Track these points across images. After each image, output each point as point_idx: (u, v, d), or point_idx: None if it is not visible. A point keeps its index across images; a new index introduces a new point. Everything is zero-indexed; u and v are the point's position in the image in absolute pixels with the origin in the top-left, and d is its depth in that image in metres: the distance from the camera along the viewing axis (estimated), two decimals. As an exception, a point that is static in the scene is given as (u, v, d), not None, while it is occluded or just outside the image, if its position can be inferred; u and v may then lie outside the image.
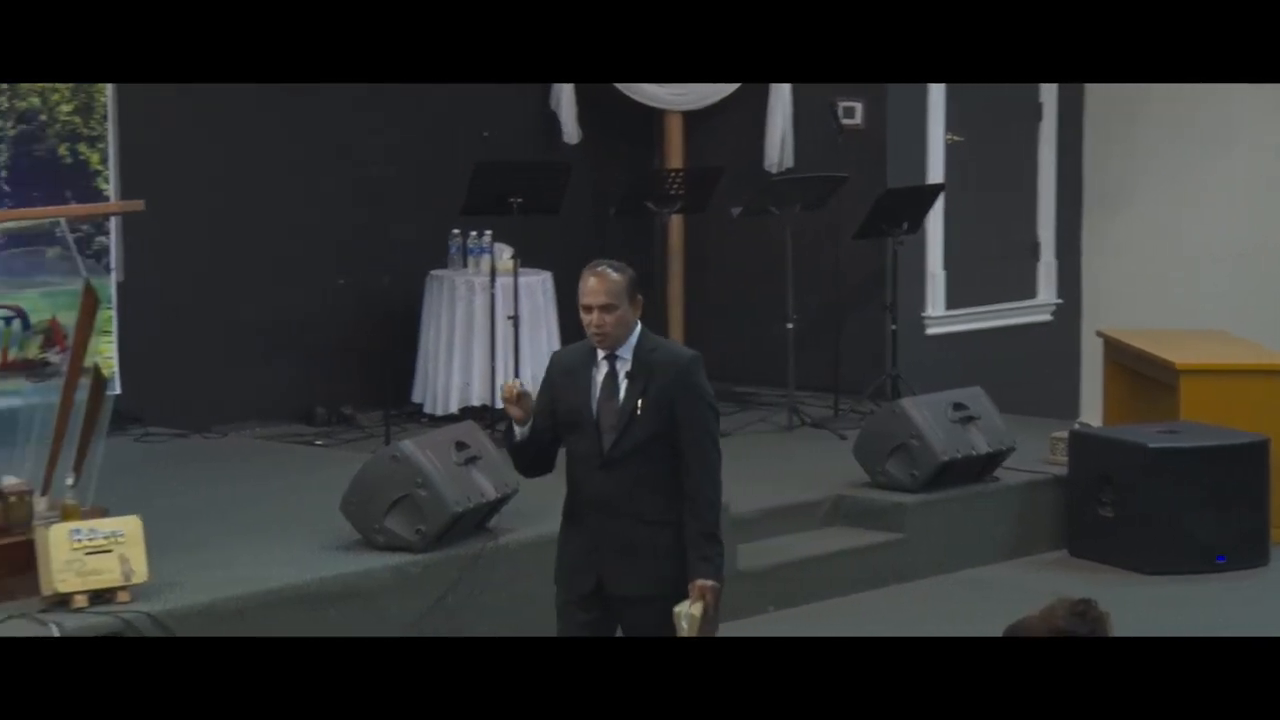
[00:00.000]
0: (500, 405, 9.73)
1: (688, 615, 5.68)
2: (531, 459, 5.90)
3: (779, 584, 8.49)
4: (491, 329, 9.84)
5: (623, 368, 5.77)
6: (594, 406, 5.76)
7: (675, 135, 11.19)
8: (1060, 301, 11.85)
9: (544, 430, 5.81)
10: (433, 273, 10.28)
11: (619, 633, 5.87)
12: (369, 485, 7.69)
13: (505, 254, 9.98)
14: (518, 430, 5.80)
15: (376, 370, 9.98)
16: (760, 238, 10.77)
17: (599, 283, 5.73)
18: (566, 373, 5.83)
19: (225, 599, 6.98)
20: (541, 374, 9.92)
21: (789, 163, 11.07)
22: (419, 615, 7.39)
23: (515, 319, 9.72)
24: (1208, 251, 11.60)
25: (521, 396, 5.75)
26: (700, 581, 5.75)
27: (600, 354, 5.78)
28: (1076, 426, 9.83)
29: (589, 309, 5.74)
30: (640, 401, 5.73)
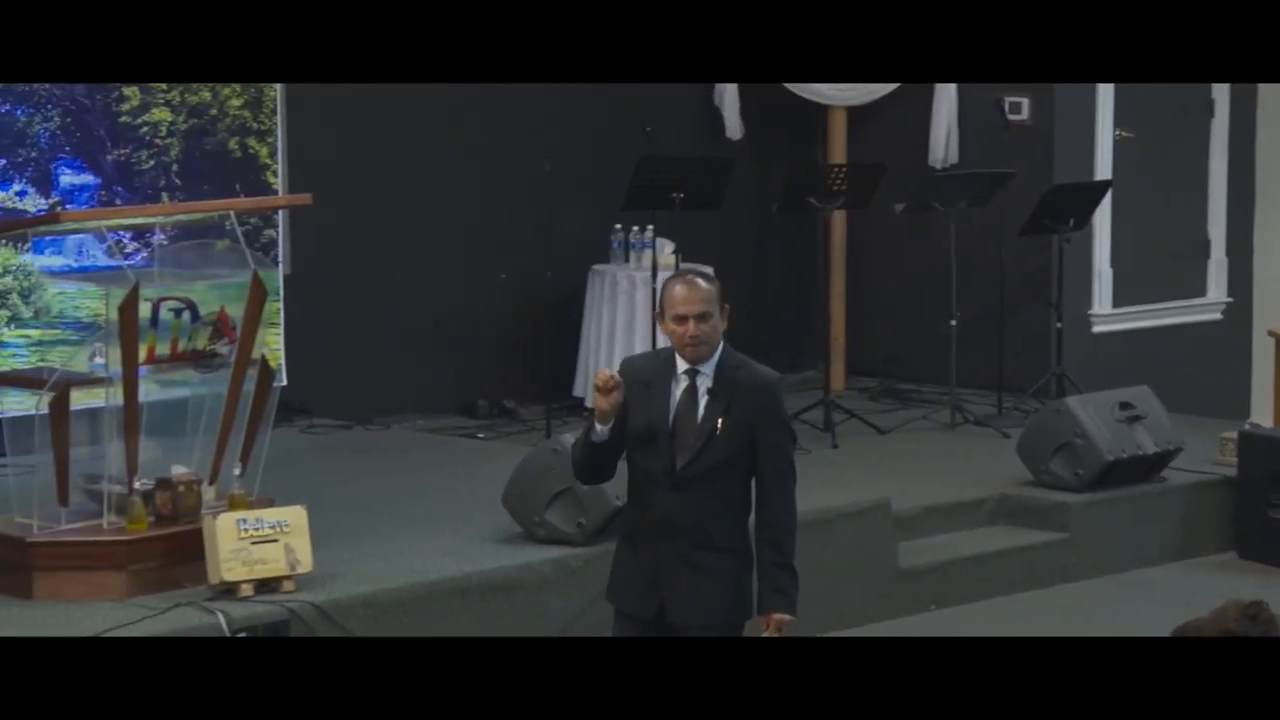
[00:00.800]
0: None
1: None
2: (597, 464, 5.58)
3: (941, 583, 8.41)
4: (653, 324, 9.83)
5: (704, 384, 5.49)
6: (670, 422, 5.47)
7: (839, 131, 11.12)
8: (1231, 300, 11.62)
9: (615, 437, 5.48)
10: (594, 267, 10.30)
11: None
12: (530, 478, 7.71)
13: (667, 249, 9.97)
14: (599, 429, 5.46)
15: (538, 364, 10.02)
16: (924, 234, 10.68)
17: (694, 291, 5.45)
18: (642, 384, 5.51)
19: (387, 590, 7.02)
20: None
21: (954, 159, 10.97)
22: (579, 609, 7.39)
23: (677, 314, 9.71)
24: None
25: (616, 388, 5.39)
26: (776, 615, 5.48)
27: (680, 367, 5.49)
28: (1247, 427, 9.64)
29: (684, 319, 5.43)
30: (721, 421, 5.45)
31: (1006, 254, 10.42)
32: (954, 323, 10.17)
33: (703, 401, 5.48)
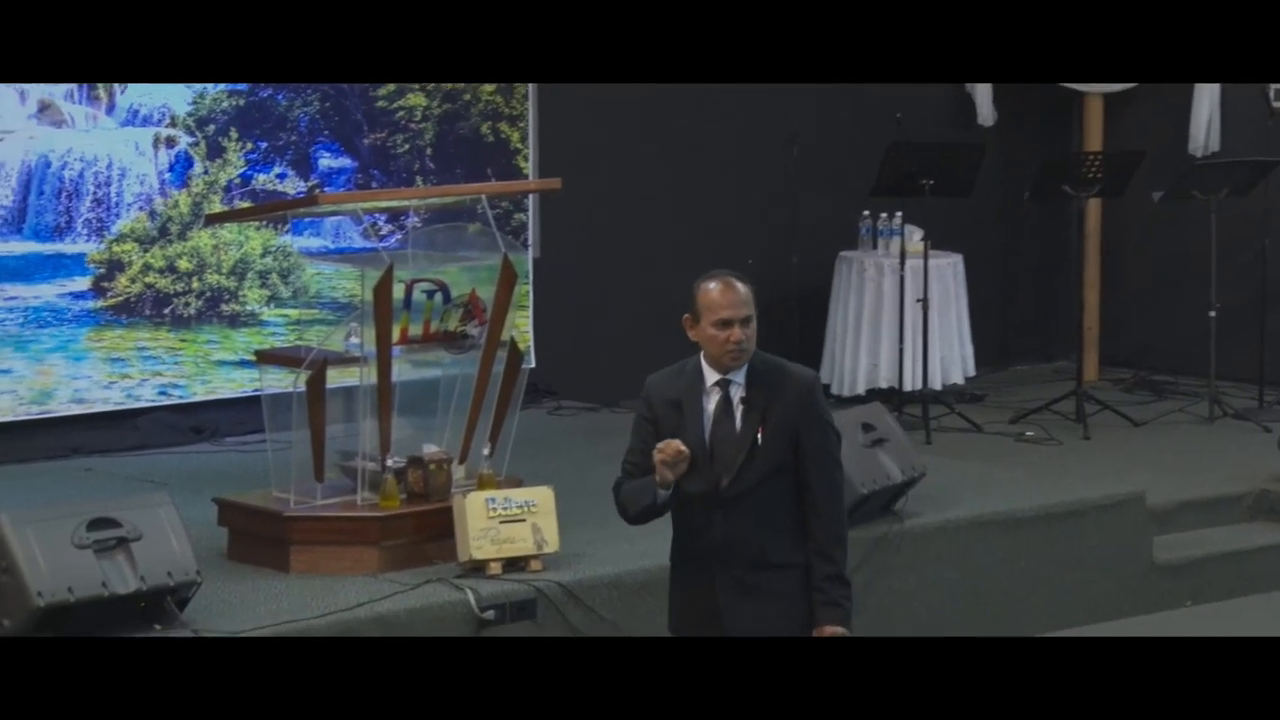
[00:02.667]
0: (910, 388, 9.70)
1: None
2: (651, 518, 5.23)
3: (1197, 578, 8.22)
4: (900, 311, 9.75)
5: (737, 393, 5.13)
6: (707, 440, 5.11)
7: (1095, 118, 10.92)
8: None
9: (674, 493, 5.08)
10: (842, 254, 10.24)
11: None
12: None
13: (915, 236, 9.87)
14: (662, 494, 5.08)
15: (784, 350, 9.95)
16: (1182, 223, 10.45)
17: (735, 293, 5.12)
18: (671, 404, 5.15)
19: (630, 572, 7.04)
20: (948, 357, 10.02)
21: (1214, 147, 10.70)
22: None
23: (924, 302, 9.62)
24: None
25: (684, 461, 5.03)
26: (830, 628, 5.10)
27: (710, 379, 5.14)
28: None
29: (728, 324, 5.09)
30: (761, 430, 5.09)
31: (1269, 244, 10.14)
32: (1213, 314, 9.93)
33: (739, 412, 5.13)
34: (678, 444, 5.02)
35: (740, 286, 5.19)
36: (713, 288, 5.17)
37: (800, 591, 5.12)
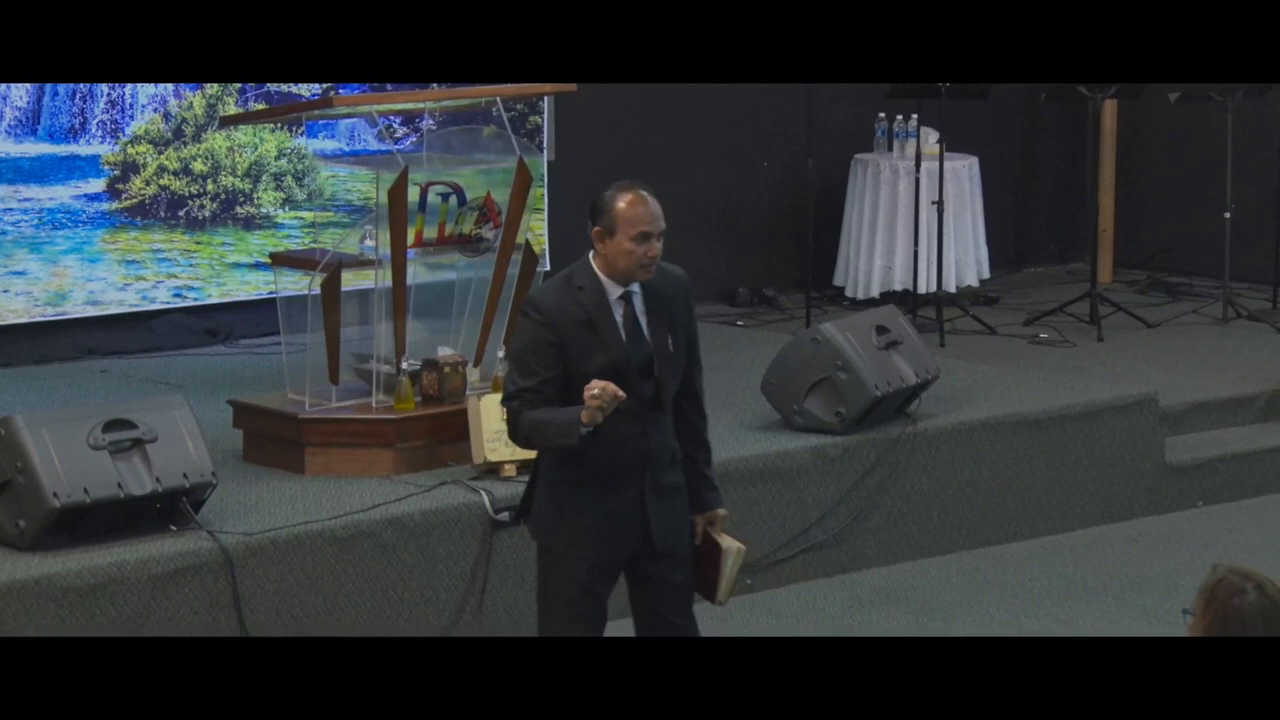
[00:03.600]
0: (924, 290, 9.69)
1: (737, 550, 5.26)
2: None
3: (1209, 479, 8.24)
4: (915, 214, 9.73)
5: (638, 302, 5.11)
6: (632, 353, 5.07)
7: (1111, 17, 10.84)
8: None
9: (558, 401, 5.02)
10: (857, 156, 10.21)
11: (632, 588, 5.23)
12: (789, 367, 7.70)
13: (931, 138, 9.83)
14: (583, 432, 4.96)
15: (799, 253, 9.98)
16: (1198, 124, 10.40)
17: (652, 208, 5.10)
18: (581, 324, 5.05)
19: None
20: (962, 259, 10.01)
21: (1231, 46, 10.63)
22: (837, 498, 7.39)
23: (940, 204, 9.59)
24: None
25: (617, 401, 4.94)
26: (721, 511, 5.28)
27: (614, 293, 5.07)
28: None
29: (647, 236, 5.05)
30: (670, 336, 5.13)
31: (1286, 144, 10.10)
32: (1228, 215, 9.90)
33: (644, 321, 5.12)
34: (614, 387, 4.91)
35: (654, 200, 5.17)
36: (630, 201, 5.12)
37: (684, 480, 5.23)
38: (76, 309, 8.70)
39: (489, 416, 6.84)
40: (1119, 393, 8.19)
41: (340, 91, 9.05)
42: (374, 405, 7.01)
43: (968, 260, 10.06)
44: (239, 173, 9.09)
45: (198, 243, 9.00)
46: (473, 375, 7.20)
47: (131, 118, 8.82)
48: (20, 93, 8.57)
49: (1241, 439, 8.46)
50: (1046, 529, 7.83)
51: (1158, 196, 11.00)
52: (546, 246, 9.50)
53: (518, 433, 5.14)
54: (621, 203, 5.12)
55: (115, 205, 8.82)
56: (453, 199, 7.21)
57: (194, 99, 8.94)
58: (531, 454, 6.83)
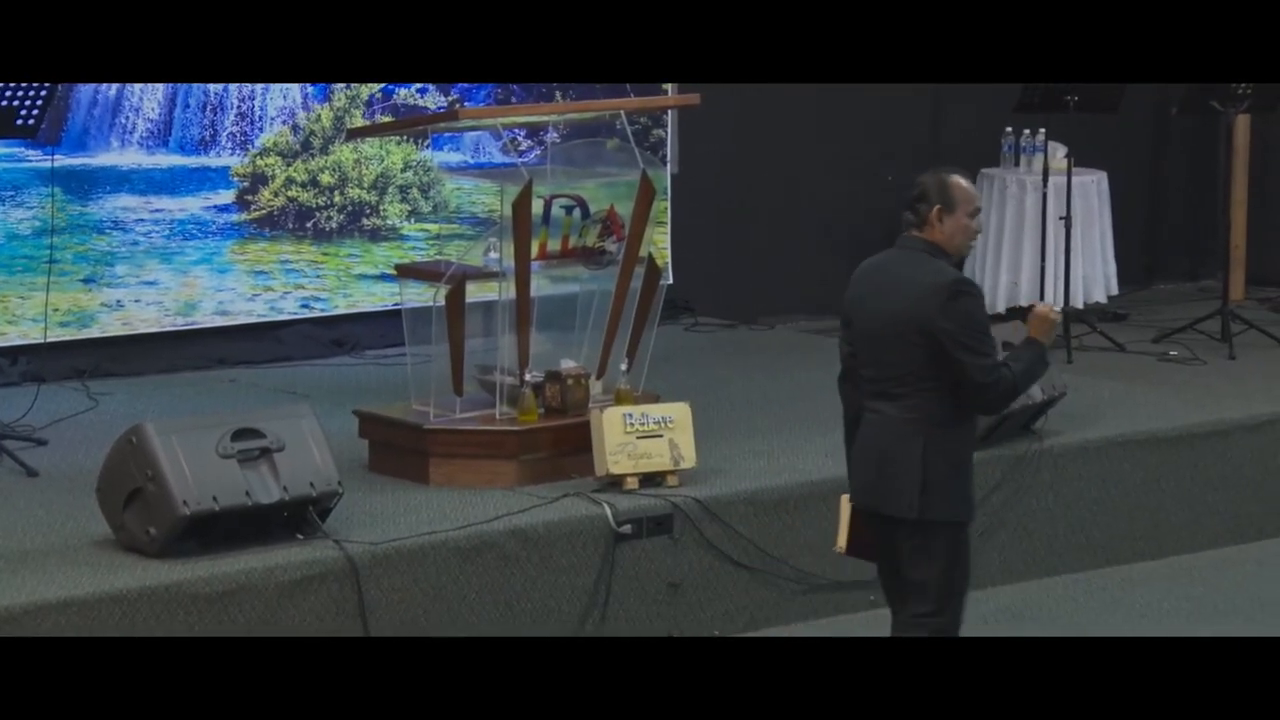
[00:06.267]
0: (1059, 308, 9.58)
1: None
2: None
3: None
4: (1043, 229, 9.64)
5: None
6: None
7: (1244, 30, 10.70)
8: None
9: None
10: (984, 171, 10.12)
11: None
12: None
13: (1059, 153, 9.74)
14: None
15: (924, 268, 9.91)
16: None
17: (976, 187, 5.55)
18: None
19: (767, 489, 7.06)
20: (1090, 275, 9.89)
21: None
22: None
23: (1067, 219, 9.50)
24: None
25: None
26: None
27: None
28: None
29: (979, 211, 5.51)
30: None
31: None
32: (1363, 232, 9.74)
33: None
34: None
35: None
36: (963, 181, 5.48)
37: None
38: (206, 319, 8.80)
39: (612, 429, 6.85)
40: (1250, 411, 8.07)
41: (466, 104, 9.09)
42: (498, 417, 7.04)
43: (1095, 276, 9.95)
44: (365, 185, 9.16)
45: (325, 254, 9.07)
46: (595, 388, 7.21)
47: (260, 130, 8.92)
48: (152, 104, 8.68)
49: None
50: (1175, 549, 7.73)
51: (1290, 213, 10.84)
52: (669, 259, 9.50)
53: (1005, 398, 5.46)
54: (957, 182, 5.49)
55: (244, 216, 8.91)
56: (576, 212, 7.23)
57: (322, 111, 9.03)
58: (653, 468, 6.87)
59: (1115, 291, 10.08)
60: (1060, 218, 9.51)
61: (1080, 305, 9.79)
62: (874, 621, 6.98)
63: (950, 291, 5.32)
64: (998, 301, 9.92)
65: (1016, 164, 10.09)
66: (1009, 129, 10.11)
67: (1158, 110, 10.70)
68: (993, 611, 7.15)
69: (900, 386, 5.39)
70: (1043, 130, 9.88)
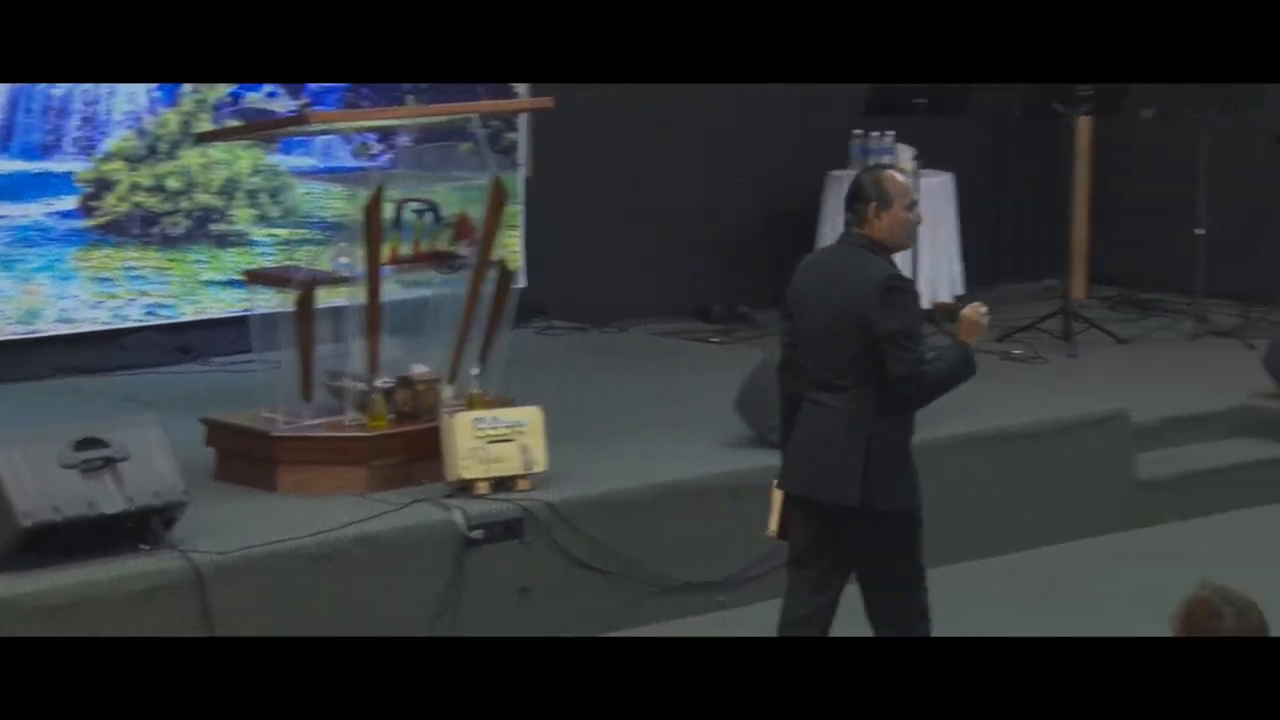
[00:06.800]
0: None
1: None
2: None
3: (1181, 494, 8.27)
4: (891, 231, 9.74)
5: None
6: None
7: (1085, 34, 10.89)
8: None
9: None
10: (832, 173, 10.22)
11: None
12: (764, 384, 7.70)
13: (907, 155, 9.86)
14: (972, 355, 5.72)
15: (774, 269, 9.98)
16: (1172, 141, 10.43)
17: None
18: None
19: (618, 491, 7.09)
20: (937, 274, 10.02)
21: (1204, 63, 10.67)
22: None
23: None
24: None
25: None
26: None
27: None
28: None
29: (915, 204, 5.64)
30: None
31: (1260, 162, 10.13)
32: (1201, 232, 9.94)
33: None
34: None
35: None
36: (897, 176, 5.64)
37: None
38: (48, 327, 8.69)
39: (463, 433, 6.85)
40: (1091, 408, 8.22)
41: (316, 108, 9.05)
42: (347, 423, 7.01)
43: (942, 276, 10.08)
44: (213, 190, 9.09)
45: (171, 260, 8.98)
46: (446, 392, 7.20)
47: (105, 134, 8.82)
48: (-7, 110, 8.57)
49: (1213, 454, 8.50)
50: (1019, 545, 7.85)
51: (1131, 213, 11.04)
52: (522, 263, 9.51)
53: (926, 394, 5.59)
54: (891, 177, 5.63)
55: (88, 223, 8.80)
56: (428, 216, 7.22)
57: (168, 116, 8.94)
58: (504, 472, 6.88)
59: (961, 290, 10.21)
60: (907, 219, 9.62)
61: (927, 305, 9.90)
62: (724, 622, 7.05)
63: (885, 287, 5.50)
64: (847, 302, 10.02)
65: (865, 166, 10.19)
66: (857, 132, 10.21)
67: (1004, 111, 10.85)
68: (844, 608, 7.21)
69: (842, 378, 5.56)
70: (891, 133, 10.00)
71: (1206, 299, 10.00)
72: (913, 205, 5.62)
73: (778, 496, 5.81)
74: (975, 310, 5.64)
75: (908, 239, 5.67)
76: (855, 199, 5.63)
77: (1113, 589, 7.42)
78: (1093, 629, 6.91)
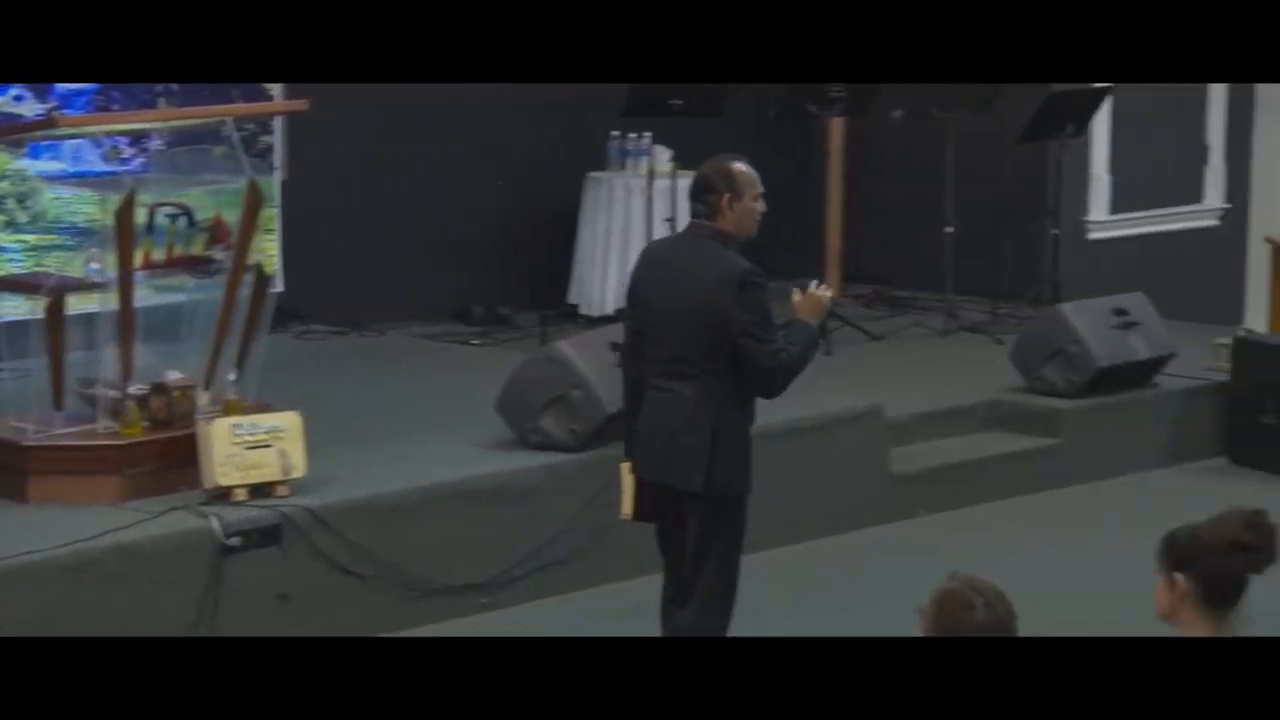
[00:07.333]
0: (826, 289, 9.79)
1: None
2: None
3: (932, 488, 8.46)
4: (649, 231, 9.83)
5: None
6: None
7: (836, 36, 11.07)
8: (1229, 206, 11.62)
9: None
10: (591, 174, 10.29)
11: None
12: (524, 385, 7.75)
13: (664, 156, 9.96)
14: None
15: (533, 271, 10.03)
16: (921, 141, 10.66)
17: None
18: None
19: (381, 495, 7.07)
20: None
21: (952, 65, 10.92)
22: (572, 514, 7.44)
23: (673, 221, 9.69)
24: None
25: None
26: None
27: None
28: (1241, 333, 9.67)
29: (762, 195, 5.79)
30: None
31: (1005, 161, 10.40)
32: (950, 230, 10.17)
33: None
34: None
35: None
36: (745, 167, 5.76)
37: None
38: None
39: (219, 440, 6.78)
40: (846, 405, 8.37)
41: (65, 112, 8.87)
42: (100, 430, 6.90)
43: (700, 276, 10.18)
44: (-41, 195, 8.87)
45: (-85, 267, 8.76)
46: (203, 399, 7.13)
47: None
48: None
49: (962, 448, 8.71)
50: (777, 540, 7.95)
51: (883, 212, 11.25)
52: (279, 267, 9.43)
53: (786, 379, 5.76)
54: (740, 169, 5.76)
55: None
56: (182, 220, 7.16)
57: (-89, 119, 8.72)
58: (262, 478, 6.82)
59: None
60: (666, 219, 9.71)
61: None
62: (487, 624, 7.06)
63: (741, 281, 5.65)
64: (607, 303, 10.10)
65: (623, 167, 10.28)
66: (615, 133, 10.29)
67: (759, 113, 11.00)
68: (606, 610, 7.27)
69: (691, 367, 5.69)
70: (648, 134, 10.09)
71: (956, 296, 10.24)
72: (759, 196, 5.77)
73: (629, 480, 5.94)
74: (822, 290, 5.87)
75: (753, 229, 5.80)
76: (705, 191, 5.76)
77: (870, 583, 7.56)
78: (849, 622, 7.06)
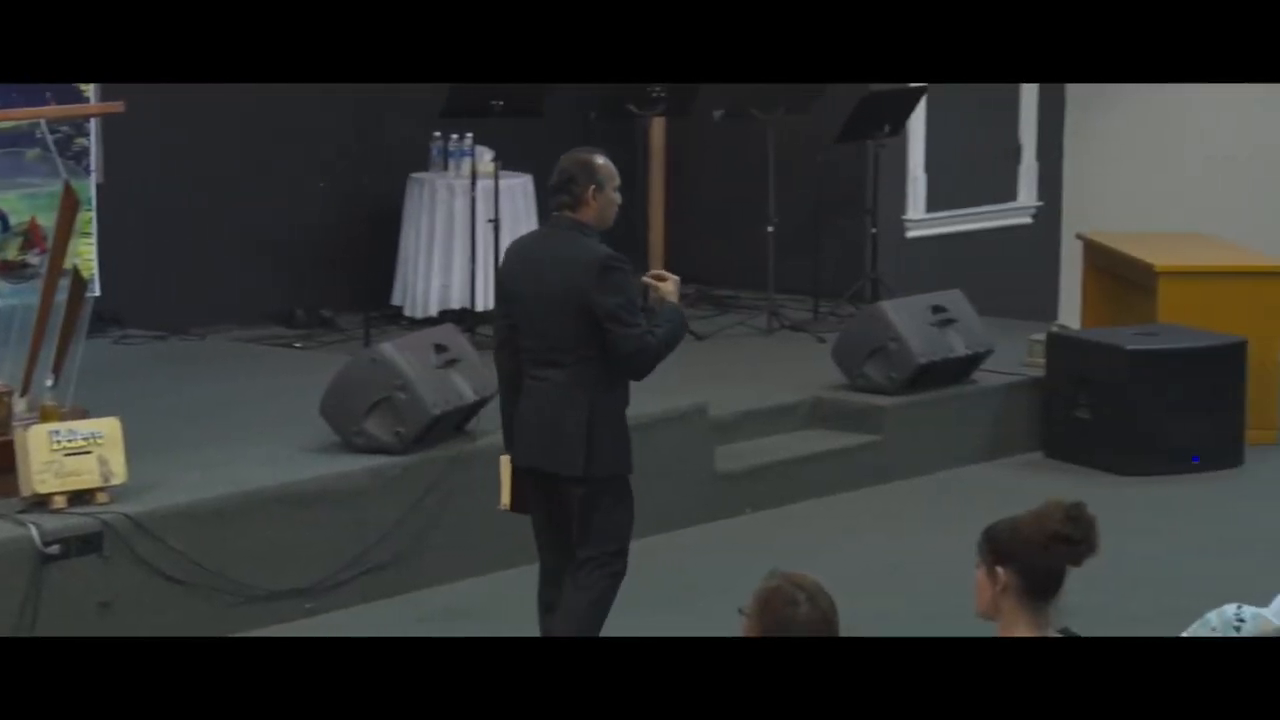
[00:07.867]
0: (482, 308, 9.79)
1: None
2: None
3: (757, 486, 8.54)
4: (472, 232, 9.83)
5: None
6: None
7: (657, 37, 11.12)
8: (1041, 204, 11.85)
9: None
10: (413, 175, 10.26)
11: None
12: (348, 388, 7.71)
13: (486, 157, 9.95)
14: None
15: (356, 273, 9.98)
16: (742, 141, 10.75)
17: None
18: None
19: (204, 500, 7.01)
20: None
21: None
22: (398, 518, 7.42)
23: (495, 222, 9.71)
24: (1189, 154, 11.60)
25: None
26: None
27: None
28: (1054, 329, 9.87)
29: (620, 186, 5.95)
30: None
31: (823, 160, 10.52)
32: (771, 229, 10.27)
33: None
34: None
35: None
36: (604, 159, 5.95)
37: None
38: None
39: (37, 447, 6.68)
40: (670, 404, 8.42)
41: None
42: (-86, 440, 6.77)
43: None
44: None
45: None
46: (19, 405, 7.02)
47: None
48: None
49: (786, 446, 8.81)
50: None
51: (705, 211, 11.33)
52: (96, 271, 9.28)
53: (654, 361, 5.92)
54: (601, 162, 5.93)
55: None
56: (-6, 225, 7.03)
57: None
58: (81, 485, 6.72)
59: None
60: (489, 220, 9.71)
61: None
62: (309, 628, 7.01)
63: (602, 267, 5.82)
64: (430, 305, 10.07)
65: (445, 168, 10.26)
66: (437, 134, 10.27)
67: (581, 113, 11.03)
68: (433, 612, 7.27)
69: (564, 355, 5.86)
70: (470, 135, 10.08)
71: (778, 294, 10.34)
72: (618, 187, 5.96)
73: (507, 471, 6.07)
74: (671, 278, 6.03)
75: (612, 219, 5.96)
76: (569, 182, 5.93)
77: (696, 581, 7.62)
78: (677, 620, 7.11)
